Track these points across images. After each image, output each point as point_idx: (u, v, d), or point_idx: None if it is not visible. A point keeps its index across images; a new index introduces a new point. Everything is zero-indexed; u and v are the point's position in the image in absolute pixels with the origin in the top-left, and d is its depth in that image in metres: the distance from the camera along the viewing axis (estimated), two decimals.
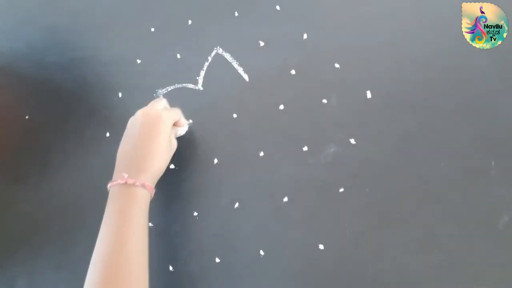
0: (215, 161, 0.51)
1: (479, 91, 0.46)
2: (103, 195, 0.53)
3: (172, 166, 0.52)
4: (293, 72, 0.52)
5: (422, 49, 0.48)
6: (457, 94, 0.46)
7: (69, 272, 0.51)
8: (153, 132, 0.44)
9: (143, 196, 0.42)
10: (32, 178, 0.56)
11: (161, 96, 0.51)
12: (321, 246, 0.45)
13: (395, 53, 0.49)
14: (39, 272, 0.52)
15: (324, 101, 0.50)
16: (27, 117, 0.59)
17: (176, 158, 0.52)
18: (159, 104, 0.49)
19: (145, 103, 0.51)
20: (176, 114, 0.49)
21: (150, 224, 0.50)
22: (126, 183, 0.41)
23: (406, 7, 0.50)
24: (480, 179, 0.44)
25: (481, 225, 0.43)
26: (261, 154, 0.50)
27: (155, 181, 0.44)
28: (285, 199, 0.48)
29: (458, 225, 0.43)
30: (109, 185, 0.43)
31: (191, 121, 0.52)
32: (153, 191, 0.43)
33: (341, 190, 0.46)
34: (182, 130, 0.51)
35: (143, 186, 0.41)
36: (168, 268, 0.48)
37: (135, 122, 0.46)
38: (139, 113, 0.46)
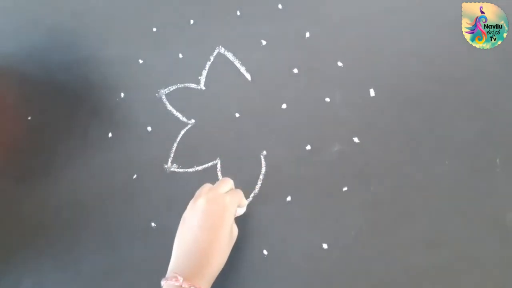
0: (218, 160, 0.51)
1: (480, 91, 0.46)
2: (107, 195, 0.53)
3: (174, 166, 0.52)
4: (295, 70, 0.51)
5: (423, 48, 0.48)
6: (460, 93, 0.46)
7: (74, 272, 0.51)
8: (216, 227, 0.40)
9: None
10: (35, 178, 0.56)
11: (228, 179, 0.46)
12: (325, 246, 0.45)
13: (398, 52, 0.49)
14: (43, 273, 0.52)
15: (327, 99, 0.49)
16: (29, 118, 0.59)
17: (179, 158, 0.52)
18: (225, 187, 0.44)
19: (147, 102, 0.51)
20: (239, 197, 0.45)
21: (153, 224, 0.50)
22: (180, 286, 0.37)
23: (407, 6, 0.50)
24: (486, 177, 0.43)
25: (487, 222, 0.42)
26: (264, 153, 0.50)
27: (212, 282, 0.40)
28: (289, 198, 0.47)
29: (464, 223, 0.43)
30: (162, 282, 0.39)
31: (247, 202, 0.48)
32: None
33: (345, 189, 0.46)
34: (240, 211, 0.47)
35: None
36: None
37: (197, 211, 0.41)
38: (202, 201, 0.41)
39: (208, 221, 0.40)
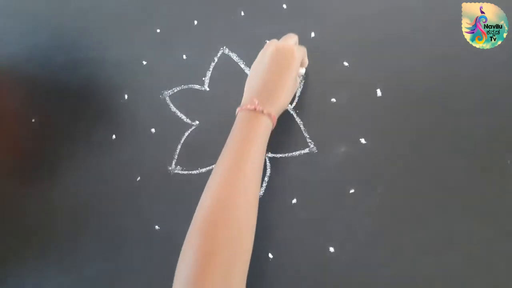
0: None
1: (483, 91, 0.45)
2: (110, 197, 0.52)
3: (178, 168, 0.51)
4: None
5: (424, 48, 0.48)
6: (464, 93, 0.46)
7: (77, 274, 0.51)
8: (284, 67, 0.45)
9: (267, 125, 0.43)
10: (39, 180, 0.56)
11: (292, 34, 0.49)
12: (331, 249, 0.44)
13: (401, 51, 0.49)
14: (46, 275, 0.52)
15: (333, 100, 0.49)
16: (33, 119, 0.59)
17: (183, 160, 0.52)
18: (292, 40, 0.48)
19: (150, 104, 0.50)
20: (304, 52, 0.48)
21: (157, 227, 0.50)
22: (255, 109, 0.42)
23: (408, 7, 0.50)
24: (497, 178, 0.42)
25: (498, 224, 0.41)
26: (269, 155, 0.49)
27: (279, 114, 0.45)
28: (294, 200, 0.47)
29: (474, 225, 0.42)
30: (237, 110, 0.44)
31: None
32: (275, 123, 0.44)
33: (352, 191, 0.45)
34: (302, 70, 0.50)
35: (269, 115, 0.43)
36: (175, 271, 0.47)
37: (267, 53, 0.46)
38: (272, 46, 0.46)
39: (277, 64, 0.45)
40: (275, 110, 0.44)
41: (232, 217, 0.38)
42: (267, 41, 0.49)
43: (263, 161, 0.43)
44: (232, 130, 0.43)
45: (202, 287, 0.35)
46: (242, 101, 0.45)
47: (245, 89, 0.46)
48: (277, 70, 0.44)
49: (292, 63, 0.45)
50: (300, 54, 0.46)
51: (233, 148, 0.42)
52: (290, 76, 0.45)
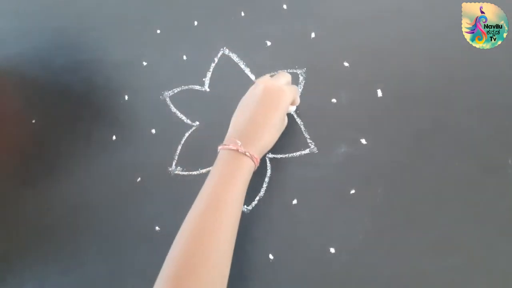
0: None
1: (484, 91, 0.45)
2: (110, 198, 0.52)
3: (179, 168, 0.51)
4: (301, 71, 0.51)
5: (424, 48, 0.48)
6: (465, 93, 0.46)
7: (78, 276, 0.50)
8: (272, 108, 0.44)
9: (249, 167, 0.42)
10: (39, 181, 0.56)
11: (285, 71, 0.49)
12: (332, 250, 0.44)
13: (401, 52, 0.49)
14: (47, 277, 0.52)
15: (334, 100, 0.49)
16: (33, 120, 0.59)
17: (183, 161, 0.52)
18: (283, 79, 0.47)
19: (151, 104, 0.50)
20: (296, 92, 0.47)
21: (157, 228, 0.50)
22: (237, 150, 0.41)
23: (408, 7, 0.50)
24: (497, 178, 0.42)
25: (499, 225, 0.41)
26: (269, 155, 0.49)
27: (262, 155, 0.45)
28: (295, 201, 0.47)
29: (475, 225, 0.42)
30: (220, 147, 0.43)
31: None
32: (258, 164, 0.44)
33: (352, 191, 0.45)
34: (292, 108, 0.49)
35: (252, 157, 0.42)
36: None
37: (256, 92, 0.45)
38: (262, 85, 0.45)
39: (265, 104, 0.44)
40: (258, 151, 0.43)
41: (202, 271, 0.36)
42: (256, 80, 0.48)
43: (243, 200, 0.42)
44: (212, 168, 0.42)
45: None
46: (226, 137, 0.44)
47: (231, 124, 0.45)
48: (264, 111, 0.43)
49: (280, 104, 0.44)
50: (291, 95, 0.45)
51: (210, 193, 0.40)
52: (277, 117, 0.44)
